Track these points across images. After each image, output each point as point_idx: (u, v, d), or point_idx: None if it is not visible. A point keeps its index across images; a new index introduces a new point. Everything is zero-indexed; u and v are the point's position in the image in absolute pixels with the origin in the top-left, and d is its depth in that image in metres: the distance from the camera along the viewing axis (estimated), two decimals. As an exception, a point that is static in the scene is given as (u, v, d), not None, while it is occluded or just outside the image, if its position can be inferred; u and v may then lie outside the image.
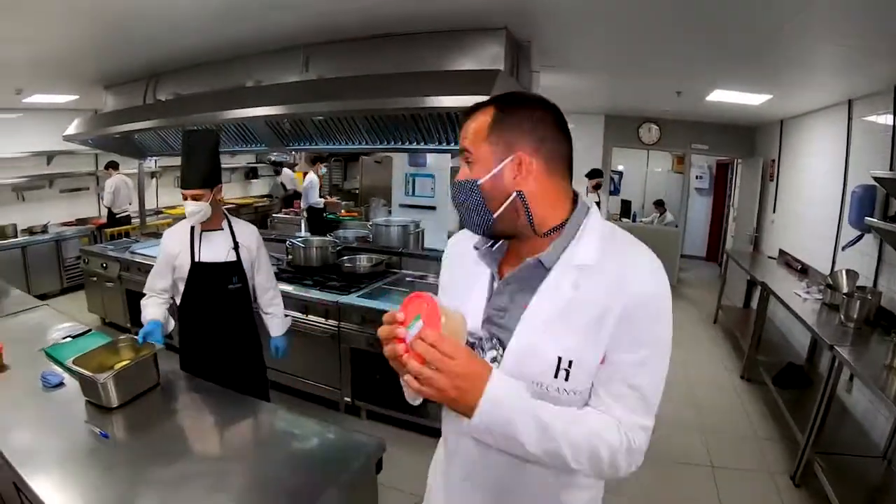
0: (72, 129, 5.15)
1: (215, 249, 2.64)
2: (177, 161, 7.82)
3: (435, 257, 4.47)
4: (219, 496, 1.65)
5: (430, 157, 5.03)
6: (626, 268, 1.05)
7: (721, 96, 5.14)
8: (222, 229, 2.70)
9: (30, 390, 2.37)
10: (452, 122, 3.28)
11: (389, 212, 5.75)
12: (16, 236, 6.98)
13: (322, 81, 3.68)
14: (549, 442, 0.99)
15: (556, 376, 1.04)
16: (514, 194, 1.07)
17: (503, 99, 1.11)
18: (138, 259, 5.07)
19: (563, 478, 1.14)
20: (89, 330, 3.05)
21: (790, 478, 3.20)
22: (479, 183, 1.08)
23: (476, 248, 1.20)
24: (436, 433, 2.94)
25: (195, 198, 2.52)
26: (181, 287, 2.66)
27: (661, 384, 1.08)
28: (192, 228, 2.64)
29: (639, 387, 1.04)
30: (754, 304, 5.30)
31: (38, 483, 1.72)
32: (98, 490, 1.69)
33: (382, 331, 1.03)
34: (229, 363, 2.70)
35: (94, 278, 5.42)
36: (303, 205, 7.71)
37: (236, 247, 2.69)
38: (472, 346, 1.12)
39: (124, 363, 2.31)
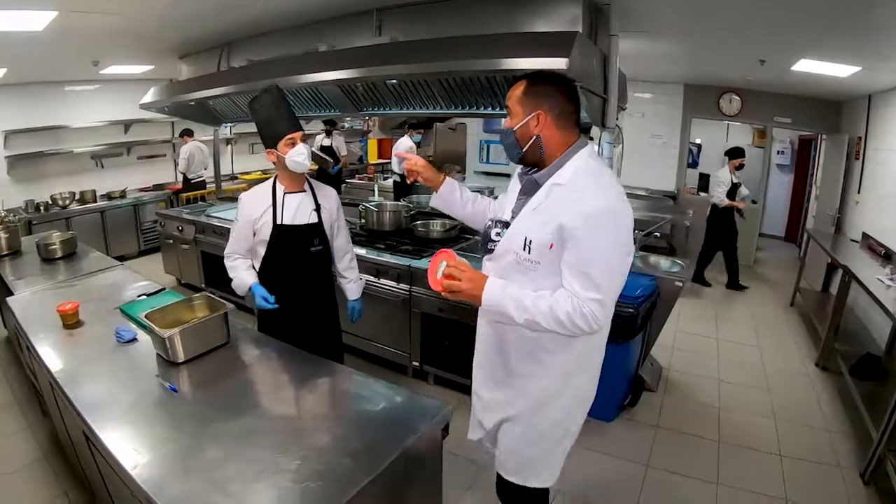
0: (148, 98, 5.31)
1: (298, 212, 2.62)
2: (251, 128, 8.00)
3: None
4: (284, 454, 1.65)
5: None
6: (586, 190, 1.59)
7: (807, 66, 4.81)
8: (304, 191, 2.67)
9: (104, 345, 2.47)
10: (528, 86, 3.18)
11: (464, 178, 5.72)
12: (95, 201, 7.33)
13: (395, 45, 3.61)
14: (525, 312, 1.61)
15: (524, 248, 1.67)
16: (534, 137, 1.69)
17: (533, 76, 1.71)
18: (214, 222, 5.21)
19: (541, 340, 1.75)
20: (163, 288, 3.16)
21: (860, 475, 2.99)
22: (514, 129, 1.71)
23: (518, 173, 1.86)
24: None
25: (304, 140, 2.52)
26: (260, 251, 2.65)
27: (611, 276, 1.59)
28: (274, 191, 2.62)
29: (589, 273, 1.56)
30: (834, 288, 5.00)
31: (107, 433, 1.78)
32: (164, 443, 1.73)
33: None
34: (308, 326, 2.71)
35: (170, 241, 5.64)
36: (395, 168, 7.83)
37: (318, 209, 2.67)
38: (494, 223, 1.83)
39: (193, 320, 2.37)
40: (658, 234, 4.60)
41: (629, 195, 1.67)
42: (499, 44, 2.95)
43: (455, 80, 3.35)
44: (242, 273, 2.65)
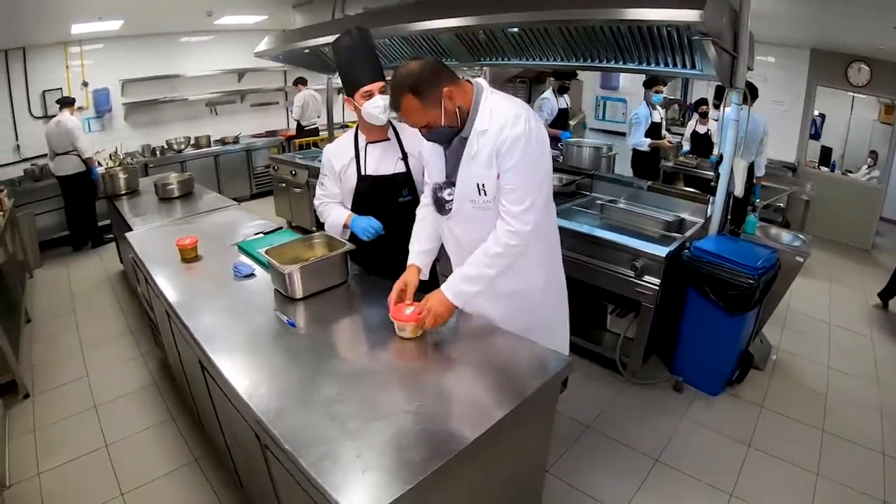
0: (262, 46, 5.46)
1: (383, 161, 2.50)
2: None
3: (626, 182, 4.28)
4: (403, 396, 1.65)
5: (622, 80, 4.76)
6: (500, 122, 1.82)
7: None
8: (389, 139, 2.54)
9: (221, 279, 2.55)
10: (654, 38, 3.00)
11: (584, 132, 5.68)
12: (209, 146, 7.75)
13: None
14: (482, 278, 1.92)
15: (479, 193, 1.92)
16: (457, 109, 1.86)
17: (404, 86, 1.80)
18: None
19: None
20: (280, 227, 3.24)
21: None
22: (441, 123, 1.85)
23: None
24: (609, 362, 3.29)
25: (382, 91, 2.33)
26: (347, 204, 2.59)
27: (527, 190, 1.85)
28: (356, 141, 2.52)
29: (513, 187, 1.84)
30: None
31: (224, 363, 1.82)
32: (281, 375, 1.76)
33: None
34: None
35: (283, 184, 5.87)
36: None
37: (405, 157, 2.52)
38: (440, 187, 2.05)
39: (314, 258, 2.39)
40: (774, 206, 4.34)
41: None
42: None
43: (577, 31, 3.23)
44: (335, 211, 2.57)
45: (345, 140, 2.58)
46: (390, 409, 1.56)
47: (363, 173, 2.50)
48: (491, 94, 1.90)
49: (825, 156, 7.36)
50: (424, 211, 2.25)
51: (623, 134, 5.56)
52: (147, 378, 3.61)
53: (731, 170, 3.28)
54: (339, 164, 2.53)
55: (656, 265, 3.08)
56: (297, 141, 7.47)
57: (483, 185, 1.89)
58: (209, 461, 2.82)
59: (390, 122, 2.52)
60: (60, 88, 6.55)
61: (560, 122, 5.88)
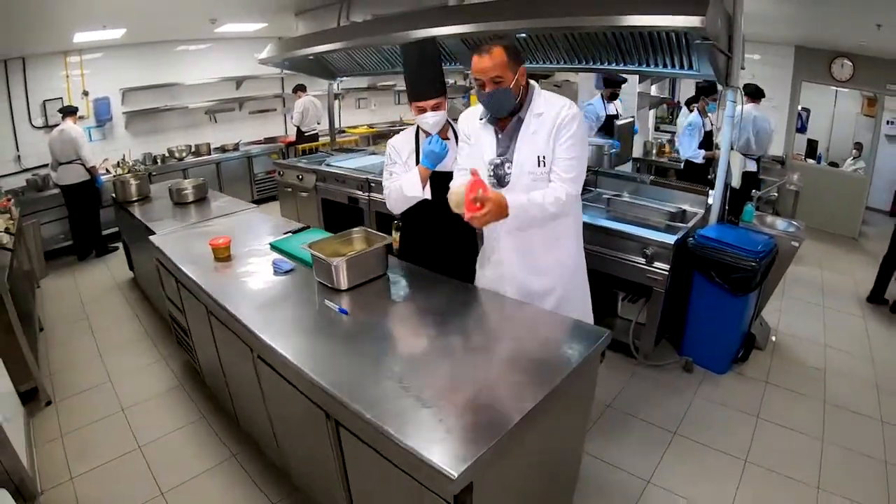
0: (265, 53, 5.53)
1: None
2: (357, 84, 8.26)
3: (629, 178, 4.46)
4: (463, 370, 1.78)
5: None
6: (555, 108, 2.14)
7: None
8: (449, 139, 2.66)
9: (261, 276, 2.67)
10: (654, 42, 3.19)
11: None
12: (209, 154, 7.81)
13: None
14: (535, 206, 2.08)
15: (539, 165, 2.16)
16: (522, 87, 2.15)
17: (506, 47, 2.08)
18: (334, 170, 5.46)
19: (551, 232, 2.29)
20: (307, 226, 3.35)
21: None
22: (510, 87, 2.09)
23: (480, 119, 2.28)
24: (622, 347, 3.56)
25: (435, 108, 2.52)
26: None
27: (577, 161, 2.15)
28: (418, 136, 2.67)
29: (567, 157, 2.13)
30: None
31: (286, 348, 1.94)
32: (344, 357, 1.89)
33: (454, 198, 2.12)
34: (446, 271, 2.68)
35: (289, 189, 5.95)
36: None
37: None
38: (498, 164, 2.23)
39: (357, 251, 2.53)
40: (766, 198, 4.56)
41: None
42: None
43: (581, 35, 3.39)
44: (406, 174, 2.61)
45: (408, 133, 2.75)
46: (455, 381, 1.72)
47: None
48: (542, 90, 2.23)
49: (811, 148, 7.63)
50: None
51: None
52: (172, 380, 3.66)
53: (729, 163, 3.49)
54: (400, 156, 2.69)
55: (665, 252, 3.27)
56: (300, 146, 7.54)
57: (543, 157, 2.15)
58: (247, 455, 2.90)
59: (449, 123, 2.68)
60: (61, 98, 6.59)
61: (607, 129, 5.67)
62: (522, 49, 3.73)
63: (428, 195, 2.56)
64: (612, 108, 5.79)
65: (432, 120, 2.53)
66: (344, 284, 2.40)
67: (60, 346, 4.23)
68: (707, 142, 5.60)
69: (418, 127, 2.70)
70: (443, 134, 2.65)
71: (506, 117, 2.22)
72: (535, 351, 1.91)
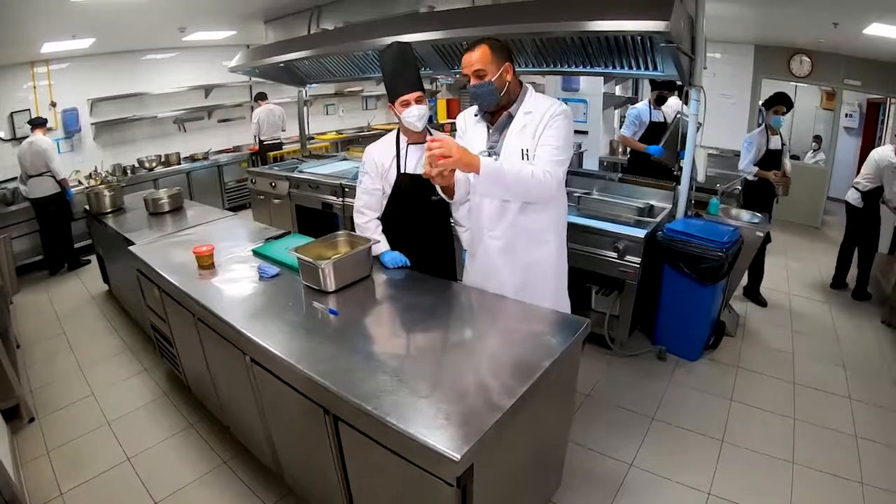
0: (236, 61, 5.57)
1: (420, 161, 2.56)
2: (324, 90, 8.20)
3: (598, 176, 4.61)
4: (453, 360, 1.88)
5: (583, 83, 5.06)
6: (545, 107, 2.24)
7: (878, 30, 4.84)
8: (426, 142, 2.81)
9: (247, 282, 2.70)
10: (620, 45, 3.29)
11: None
12: (179, 163, 7.74)
13: (493, 6, 3.79)
14: (513, 170, 2.11)
15: (523, 157, 2.24)
16: (507, 84, 2.24)
17: (489, 42, 2.21)
18: (307, 177, 5.49)
19: (527, 207, 2.35)
20: (288, 232, 3.39)
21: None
22: (492, 81, 2.20)
23: (475, 115, 2.42)
24: (597, 339, 3.71)
25: (419, 101, 2.57)
26: (383, 201, 2.79)
27: (562, 150, 2.23)
28: (398, 141, 2.72)
29: (551, 144, 2.21)
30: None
31: (281, 350, 1.99)
32: (338, 355, 1.94)
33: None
34: (427, 271, 2.76)
35: (262, 196, 5.96)
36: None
37: None
38: (486, 156, 2.25)
39: (342, 254, 2.58)
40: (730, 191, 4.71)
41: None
42: (599, 5, 3.04)
43: (548, 40, 3.47)
44: (374, 237, 2.75)
45: (387, 140, 2.78)
46: (447, 372, 1.81)
47: (402, 171, 2.71)
48: (535, 93, 2.35)
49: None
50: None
51: (585, 132, 5.79)
52: (156, 391, 3.64)
53: (694, 159, 3.65)
54: (384, 161, 2.73)
55: (636, 246, 3.41)
56: (270, 154, 7.53)
57: (527, 150, 2.25)
58: (239, 461, 2.91)
59: (428, 129, 2.73)
60: (28, 110, 6.49)
61: (652, 135, 5.26)
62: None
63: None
64: (660, 115, 5.34)
65: (418, 112, 2.57)
66: (331, 286, 2.46)
67: (39, 363, 4.17)
68: (770, 160, 4.77)
69: (398, 133, 2.75)
70: (422, 137, 2.69)
71: (497, 112, 2.33)
72: (520, 341, 2.01)
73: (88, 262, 6.17)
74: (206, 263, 2.92)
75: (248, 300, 2.52)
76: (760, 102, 5.38)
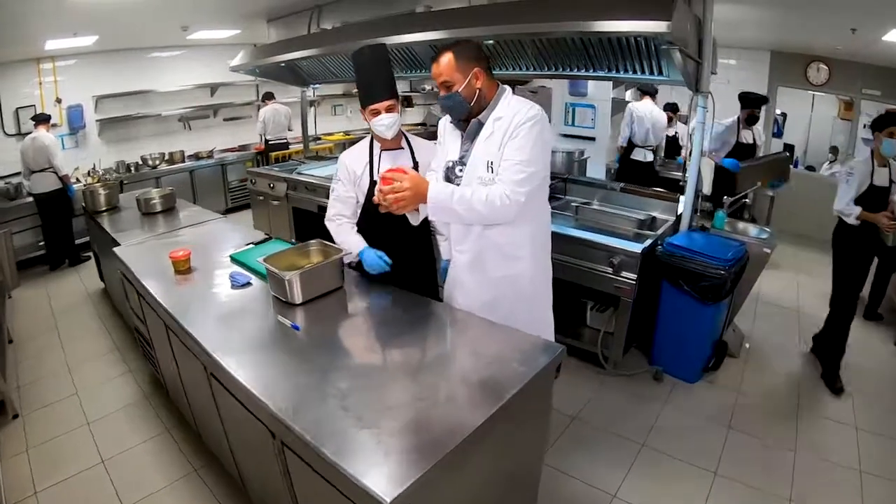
0: (237, 60, 5.52)
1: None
2: (332, 90, 8.20)
3: (600, 185, 4.44)
4: (411, 386, 1.75)
5: (591, 87, 4.93)
6: (514, 112, 2.05)
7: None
8: (402, 148, 2.64)
9: (219, 289, 2.62)
10: (623, 47, 3.17)
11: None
12: (183, 161, 7.73)
13: (490, 6, 3.66)
14: (463, 201, 2.01)
15: (487, 170, 2.08)
16: (477, 91, 2.09)
17: (453, 45, 2.11)
18: (304, 179, 5.41)
19: (486, 230, 2.18)
20: (269, 237, 3.31)
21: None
22: (459, 92, 2.07)
23: (451, 123, 2.26)
24: (590, 357, 3.52)
25: (389, 109, 2.45)
26: (358, 210, 2.68)
27: (527, 163, 2.01)
28: (371, 147, 2.62)
29: (513, 161, 2.01)
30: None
31: (235, 367, 1.89)
32: (290, 375, 1.85)
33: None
34: (404, 285, 2.62)
35: (261, 197, 5.91)
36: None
37: (416, 166, 2.59)
38: (453, 165, 2.23)
39: (313, 264, 2.48)
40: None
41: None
42: (599, 5, 2.92)
43: (549, 41, 3.38)
44: (350, 237, 2.64)
45: (361, 147, 2.69)
46: (399, 399, 1.68)
47: (374, 179, 2.58)
48: (511, 95, 2.15)
49: (788, 153, 7.64)
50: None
51: (592, 139, 5.58)
52: (138, 393, 3.61)
53: (700, 170, 3.48)
54: (356, 169, 2.62)
55: (632, 261, 3.25)
56: (273, 154, 7.49)
57: (491, 163, 2.07)
58: (209, 470, 2.86)
59: (403, 133, 2.65)
60: (34, 105, 6.49)
61: (737, 158, 4.58)
62: (491, 55, 3.70)
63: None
64: (749, 136, 4.73)
65: (387, 121, 2.46)
66: (298, 298, 2.35)
67: (30, 359, 4.17)
68: (876, 197, 3.53)
69: (371, 140, 2.65)
70: (396, 143, 2.62)
71: (467, 120, 2.17)
72: (485, 367, 1.86)
73: (89, 258, 6.17)
74: (183, 268, 2.85)
75: (216, 310, 2.42)
76: (865, 123, 4.77)
